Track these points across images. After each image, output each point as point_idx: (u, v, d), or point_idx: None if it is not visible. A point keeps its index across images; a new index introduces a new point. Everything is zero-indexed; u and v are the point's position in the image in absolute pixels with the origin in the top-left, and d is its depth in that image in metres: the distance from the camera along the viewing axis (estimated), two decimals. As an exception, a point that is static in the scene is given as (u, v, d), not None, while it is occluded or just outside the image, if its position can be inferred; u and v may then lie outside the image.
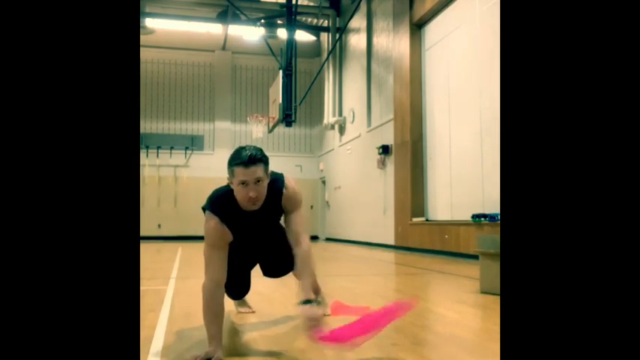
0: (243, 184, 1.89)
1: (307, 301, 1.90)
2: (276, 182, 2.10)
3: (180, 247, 10.11)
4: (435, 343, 2.21)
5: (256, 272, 2.60)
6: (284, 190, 2.10)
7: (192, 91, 15.18)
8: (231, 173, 1.92)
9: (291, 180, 2.16)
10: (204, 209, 2.08)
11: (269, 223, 2.20)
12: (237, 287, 2.55)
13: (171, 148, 14.59)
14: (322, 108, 14.38)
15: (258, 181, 1.90)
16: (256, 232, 2.18)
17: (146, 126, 14.51)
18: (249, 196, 1.90)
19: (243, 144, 12.84)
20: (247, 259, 2.48)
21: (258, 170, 1.89)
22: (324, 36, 15.19)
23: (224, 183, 2.09)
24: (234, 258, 2.20)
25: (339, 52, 13.58)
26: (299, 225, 2.12)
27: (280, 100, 9.46)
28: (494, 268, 3.56)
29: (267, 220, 2.15)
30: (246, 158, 1.87)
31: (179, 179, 14.74)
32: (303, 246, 2.07)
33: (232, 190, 1.97)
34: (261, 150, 1.95)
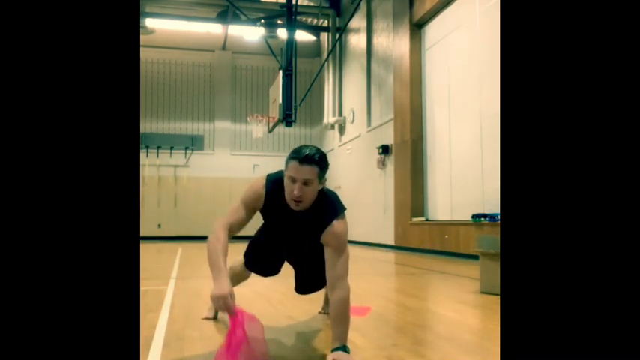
0: (291, 180, 1.88)
1: (340, 348, 1.84)
2: (332, 208, 2.00)
3: (180, 247, 10.10)
4: (435, 343, 2.21)
5: (254, 279, 2.60)
6: (329, 227, 1.96)
7: (192, 91, 15.17)
8: (286, 166, 1.91)
9: (343, 221, 2.01)
10: (267, 176, 2.08)
11: (304, 234, 2.07)
12: (259, 259, 2.48)
13: (171, 148, 14.57)
14: (322, 108, 14.37)
15: (306, 183, 1.87)
16: (288, 233, 2.12)
17: (146, 126, 14.50)
18: (294, 194, 1.87)
19: (241, 143, 12.72)
20: (277, 250, 2.38)
21: (310, 171, 1.85)
22: (324, 36, 15.19)
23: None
24: (266, 239, 2.29)
25: (339, 52, 13.57)
26: (340, 269, 1.95)
27: (280, 100, 9.45)
28: (495, 268, 3.56)
29: (303, 230, 2.06)
30: (302, 156, 1.85)
31: (179, 179, 14.73)
32: (340, 292, 1.92)
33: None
34: (323, 154, 1.91)
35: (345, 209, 2.05)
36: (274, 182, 2.03)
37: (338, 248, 1.96)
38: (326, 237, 1.97)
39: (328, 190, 2.08)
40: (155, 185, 14.49)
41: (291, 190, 1.88)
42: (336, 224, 1.97)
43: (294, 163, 1.86)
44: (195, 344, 2.13)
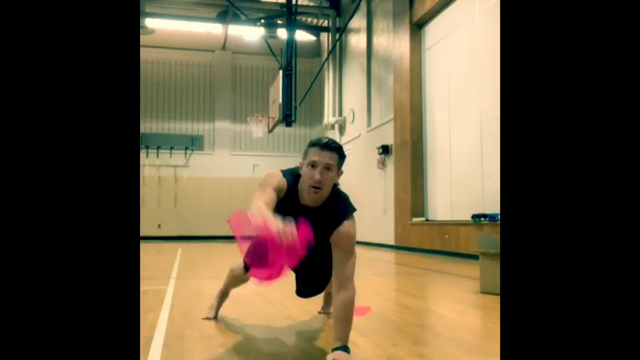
0: (312, 166, 1.89)
1: (341, 348, 1.83)
2: (344, 207, 1.99)
3: (180, 247, 10.11)
4: (435, 343, 2.21)
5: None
6: (340, 226, 1.94)
7: (192, 91, 15.17)
8: (305, 154, 1.93)
9: (354, 222, 2.01)
10: (281, 171, 2.06)
11: (315, 232, 1.96)
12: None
13: (171, 148, 14.58)
14: (322, 108, 14.37)
15: (328, 169, 1.89)
16: None
17: (146, 126, 14.50)
18: (314, 179, 1.87)
19: (241, 143, 12.70)
20: None
21: (331, 157, 1.89)
22: (324, 36, 15.19)
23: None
24: None
25: (339, 52, 13.58)
26: (348, 271, 1.93)
27: (280, 100, 9.45)
28: (495, 268, 3.56)
29: (314, 227, 1.95)
30: (323, 142, 1.92)
31: (179, 179, 14.73)
32: (347, 293, 1.91)
33: (300, 177, 1.95)
34: (341, 146, 1.98)
35: (355, 210, 2.03)
36: (292, 175, 2.01)
37: (347, 249, 1.95)
38: (336, 237, 1.96)
39: (340, 190, 2.07)
40: (155, 185, 14.49)
41: (311, 176, 1.88)
42: (347, 224, 1.96)
43: (315, 149, 1.91)
44: (195, 344, 2.13)
